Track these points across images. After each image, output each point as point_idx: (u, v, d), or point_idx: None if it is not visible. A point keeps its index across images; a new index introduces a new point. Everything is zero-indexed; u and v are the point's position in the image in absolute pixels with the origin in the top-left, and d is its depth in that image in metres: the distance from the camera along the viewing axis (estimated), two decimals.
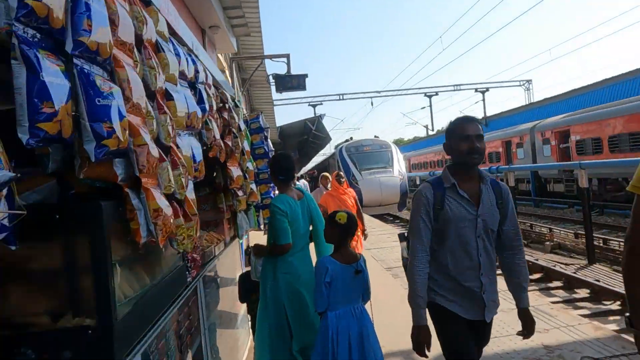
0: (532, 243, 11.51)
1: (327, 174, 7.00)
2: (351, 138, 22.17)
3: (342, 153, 20.32)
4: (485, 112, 31.88)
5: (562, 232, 11.87)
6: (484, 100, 31.70)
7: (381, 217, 19.69)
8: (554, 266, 8.45)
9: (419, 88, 32.05)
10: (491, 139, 23.79)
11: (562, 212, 16.51)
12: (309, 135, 30.75)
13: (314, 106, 32.58)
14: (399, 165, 19.50)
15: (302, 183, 14.48)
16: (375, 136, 22.28)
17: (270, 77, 8.32)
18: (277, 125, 23.03)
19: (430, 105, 32.82)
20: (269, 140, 4.41)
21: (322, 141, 32.19)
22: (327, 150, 38.43)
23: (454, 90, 32.09)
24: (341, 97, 32.11)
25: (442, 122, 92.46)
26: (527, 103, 30.58)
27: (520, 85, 32.51)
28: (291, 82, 7.67)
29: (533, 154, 19.60)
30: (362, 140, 20.68)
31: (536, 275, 8.04)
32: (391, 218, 20.02)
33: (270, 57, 8.00)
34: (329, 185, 6.56)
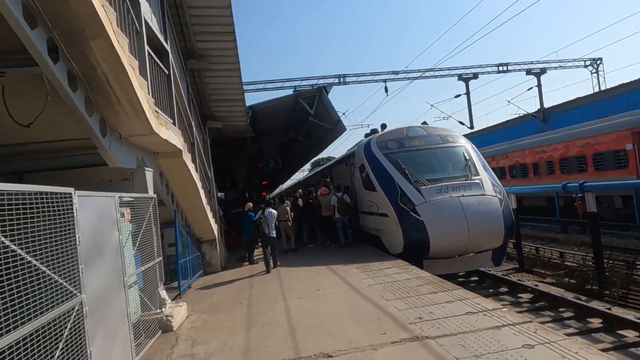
0: None
1: None
2: (384, 126, 12.39)
3: (372, 152, 10.66)
4: (542, 102, 23.35)
5: None
6: (539, 85, 23.20)
7: (454, 277, 10.26)
8: None
9: (451, 68, 23.14)
10: (600, 130, 14.63)
11: None
12: (299, 131, 20.79)
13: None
14: (488, 174, 10.04)
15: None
16: (423, 123, 12.80)
17: None
18: (248, 104, 13.14)
19: (468, 92, 23.75)
20: None
21: (322, 140, 21.94)
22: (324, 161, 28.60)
23: (499, 71, 23.43)
24: (342, 80, 22.61)
25: (482, 118, 76.08)
26: (601, 89, 22.04)
27: (585, 66, 24.15)
28: None
29: None
30: (408, 129, 11.05)
31: None
32: (472, 278, 10.34)
33: None
34: None
